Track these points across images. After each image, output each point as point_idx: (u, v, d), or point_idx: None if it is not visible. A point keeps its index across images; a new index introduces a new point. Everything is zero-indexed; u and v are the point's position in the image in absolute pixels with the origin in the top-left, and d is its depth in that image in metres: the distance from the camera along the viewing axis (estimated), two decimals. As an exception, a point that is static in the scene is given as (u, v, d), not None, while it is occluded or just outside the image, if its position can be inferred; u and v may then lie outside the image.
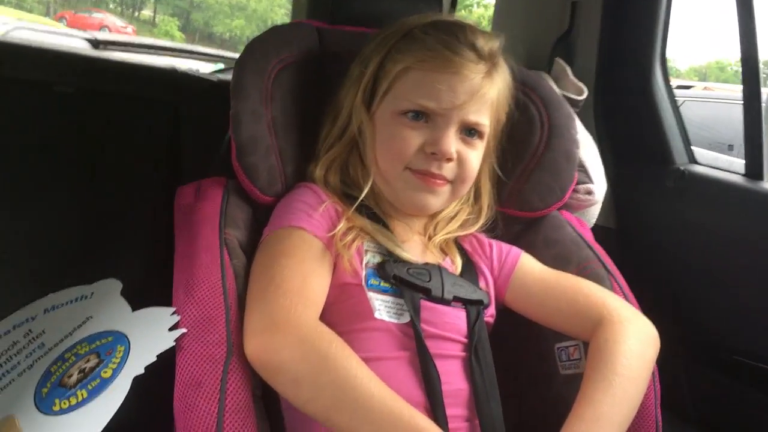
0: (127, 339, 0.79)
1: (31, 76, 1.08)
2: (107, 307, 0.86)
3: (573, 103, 1.20)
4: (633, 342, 0.86)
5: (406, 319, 0.87)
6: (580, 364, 0.93)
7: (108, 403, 0.71)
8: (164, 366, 0.75)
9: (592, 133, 1.30)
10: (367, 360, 0.76)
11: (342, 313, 0.87)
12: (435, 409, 0.81)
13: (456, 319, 0.90)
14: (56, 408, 0.72)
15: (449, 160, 0.91)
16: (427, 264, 0.92)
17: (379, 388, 0.73)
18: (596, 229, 1.15)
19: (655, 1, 1.36)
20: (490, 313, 0.96)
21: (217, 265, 0.83)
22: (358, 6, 1.13)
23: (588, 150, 1.21)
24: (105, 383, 0.73)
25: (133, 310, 0.85)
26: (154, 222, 1.10)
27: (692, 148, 1.37)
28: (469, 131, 0.92)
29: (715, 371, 1.23)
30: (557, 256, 1.02)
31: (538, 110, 1.07)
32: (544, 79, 1.15)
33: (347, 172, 0.98)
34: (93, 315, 0.86)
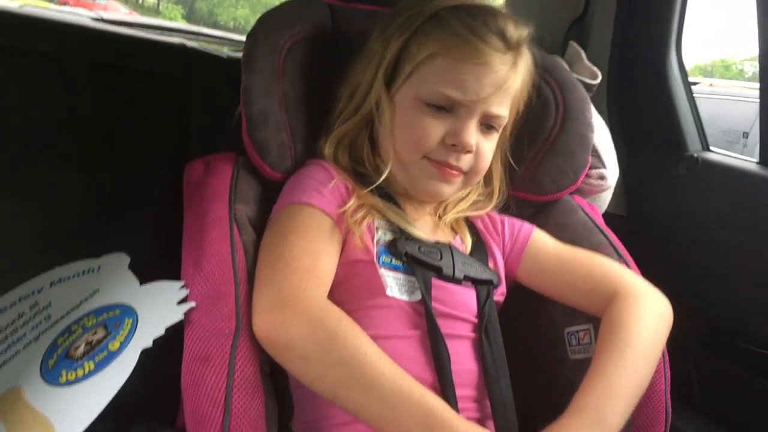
0: (135, 312, 0.78)
1: (41, 48, 1.06)
2: (115, 280, 0.86)
3: (587, 87, 1.18)
4: (647, 316, 0.86)
5: (417, 297, 0.86)
6: (590, 349, 0.93)
7: (115, 375, 0.70)
8: (172, 340, 0.74)
9: (604, 118, 1.29)
10: (376, 338, 0.75)
11: (351, 290, 0.86)
12: (445, 388, 0.81)
13: (466, 298, 0.90)
14: (63, 380, 0.72)
15: (468, 152, 0.90)
16: (438, 242, 0.92)
17: (389, 366, 0.72)
18: (607, 216, 1.13)
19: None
20: (500, 292, 0.96)
21: (227, 239, 0.83)
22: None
23: (601, 135, 1.20)
24: (112, 355, 0.72)
25: (141, 284, 0.84)
26: (163, 197, 1.10)
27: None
28: (489, 123, 0.91)
29: (725, 359, 1.22)
30: (568, 241, 1.01)
31: (553, 93, 1.06)
32: (559, 62, 1.13)
33: (356, 149, 0.97)
34: (100, 288, 0.85)
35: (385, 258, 0.87)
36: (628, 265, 0.97)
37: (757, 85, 1.17)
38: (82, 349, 0.75)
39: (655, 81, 1.36)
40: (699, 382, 1.27)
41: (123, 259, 0.90)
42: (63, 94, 1.08)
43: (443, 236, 0.95)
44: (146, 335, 0.74)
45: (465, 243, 0.96)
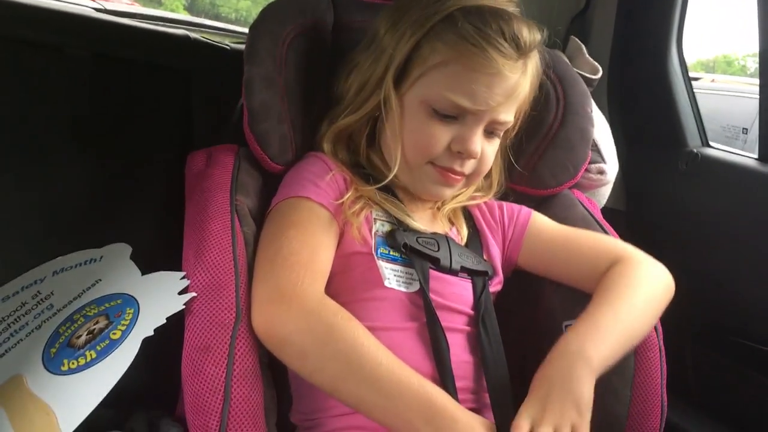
0: (137, 302, 0.79)
1: (44, 38, 1.06)
2: (117, 270, 0.86)
3: (587, 82, 1.18)
4: (644, 279, 0.87)
5: (415, 288, 0.86)
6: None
7: (116, 364, 0.71)
8: (173, 330, 0.74)
9: (605, 113, 1.29)
10: (374, 330, 0.76)
11: (349, 282, 0.86)
12: (444, 380, 0.81)
13: (463, 290, 0.90)
14: (64, 368, 0.72)
15: (474, 158, 0.89)
16: (435, 233, 0.92)
17: (387, 356, 0.73)
18: (606, 211, 1.14)
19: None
20: (497, 281, 0.96)
21: (228, 231, 0.83)
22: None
23: (601, 129, 1.20)
24: (114, 344, 0.73)
25: (143, 274, 0.85)
26: (164, 187, 1.10)
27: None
28: (495, 129, 0.90)
29: (721, 354, 1.22)
30: (567, 235, 1.01)
31: (554, 87, 1.06)
32: (560, 56, 1.13)
33: (354, 143, 0.97)
34: (102, 278, 0.85)
35: (383, 250, 0.87)
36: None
37: (759, 81, 1.18)
38: (83, 338, 0.75)
39: (655, 76, 1.36)
40: (695, 376, 1.27)
41: (125, 249, 0.91)
42: (65, 85, 1.08)
43: (440, 227, 0.95)
44: (147, 325, 0.74)
45: (461, 234, 0.96)
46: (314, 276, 0.79)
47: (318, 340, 0.73)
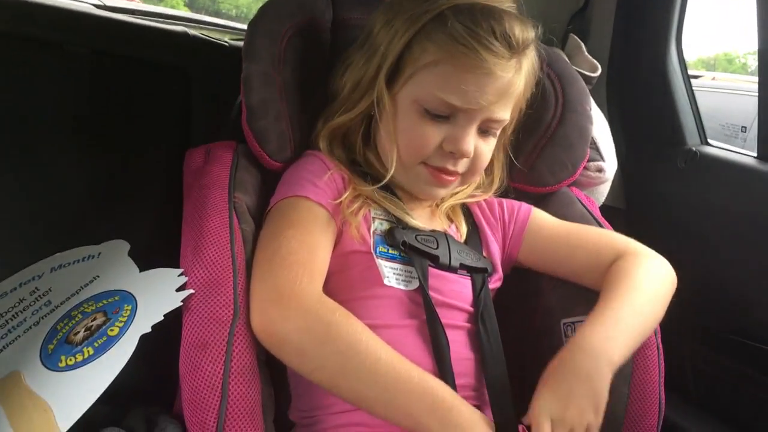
0: (134, 298, 0.79)
1: (43, 34, 1.06)
2: (115, 266, 0.86)
3: (586, 79, 1.18)
4: (652, 272, 0.88)
5: (414, 286, 0.86)
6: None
7: (114, 360, 0.71)
8: (170, 327, 0.74)
9: (604, 111, 1.29)
10: (373, 327, 0.76)
11: (347, 281, 0.86)
12: (444, 377, 0.81)
13: (462, 287, 0.90)
14: (62, 364, 0.72)
15: (466, 157, 0.89)
16: (434, 231, 0.92)
17: (386, 351, 0.73)
18: (604, 209, 1.14)
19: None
20: (496, 278, 0.96)
21: (226, 228, 0.83)
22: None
23: (600, 127, 1.20)
24: (111, 341, 0.73)
25: (141, 270, 0.85)
26: (163, 184, 1.10)
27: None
28: (489, 127, 0.89)
29: (720, 352, 1.22)
30: (566, 232, 1.01)
31: (553, 85, 1.06)
32: (559, 54, 1.13)
33: (350, 141, 0.96)
34: (100, 274, 0.85)
35: (382, 248, 0.87)
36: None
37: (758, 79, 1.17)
38: (81, 334, 0.75)
39: (654, 74, 1.36)
40: (693, 375, 1.27)
41: (123, 246, 0.91)
42: (64, 82, 1.08)
43: (439, 224, 0.95)
44: (145, 321, 0.74)
45: (460, 231, 0.96)
46: (312, 275, 0.79)
47: (317, 338, 0.73)
